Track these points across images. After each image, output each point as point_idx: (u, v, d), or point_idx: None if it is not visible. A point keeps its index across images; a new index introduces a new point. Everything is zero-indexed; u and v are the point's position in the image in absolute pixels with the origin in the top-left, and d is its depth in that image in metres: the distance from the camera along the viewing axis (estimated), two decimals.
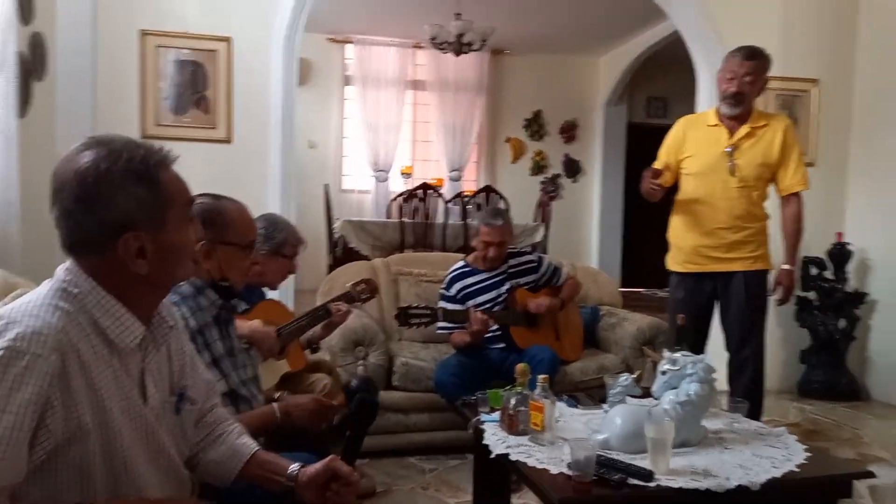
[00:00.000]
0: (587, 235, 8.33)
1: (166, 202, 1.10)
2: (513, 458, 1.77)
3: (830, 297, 4.20)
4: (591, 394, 2.36)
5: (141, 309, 1.13)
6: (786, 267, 2.92)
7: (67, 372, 1.00)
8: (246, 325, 1.98)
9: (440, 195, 5.61)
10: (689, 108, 4.54)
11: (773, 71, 2.93)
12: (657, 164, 2.97)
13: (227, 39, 3.80)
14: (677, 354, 1.96)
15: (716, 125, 2.89)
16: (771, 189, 2.96)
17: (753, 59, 2.79)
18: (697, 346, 2.71)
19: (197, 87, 3.83)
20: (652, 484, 1.59)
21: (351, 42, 7.56)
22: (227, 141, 3.84)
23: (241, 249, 1.69)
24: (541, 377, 1.95)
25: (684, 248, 2.97)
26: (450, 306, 3.06)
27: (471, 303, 3.07)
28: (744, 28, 4.14)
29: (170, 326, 1.21)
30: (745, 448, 1.85)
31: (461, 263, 3.21)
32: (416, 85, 7.90)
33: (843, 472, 1.88)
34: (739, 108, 2.82)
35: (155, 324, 1.17)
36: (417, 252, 5.23)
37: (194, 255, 1.20)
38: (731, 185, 2.84)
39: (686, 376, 1.91)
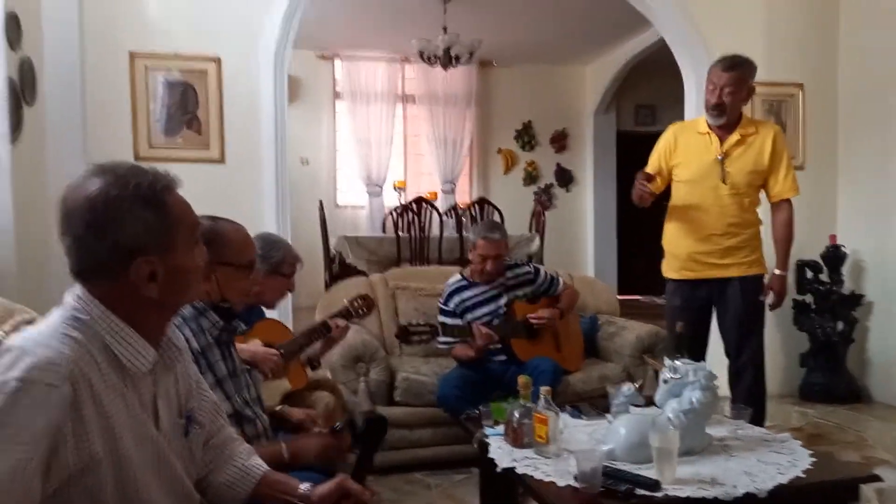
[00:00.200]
0: (582, 244, 8.34)
1: (174, 226, 1.11)
2: (519, 471, 1.76)
3: (827, 300, 4.22)
4: (594, 404, 2.35)
5: (151, 333, 1.13)
6: (778, 272, 2.94)
7: (79, 401, 1.00)
8: (247, 348, 1.97)
9: (434, 208, 5.62)
10: (678, 114, 4.57)
11: (759, 76, 2.95)
12: (648, 170, 2.99)
13: (216, 60, 3.80)
14: (678, 362, 1.96)
15: (706, 133, 2.90)
16: (762, 195, 2.98)
17: (734, 70, 2.78)
18: (696, 353, 2.70)
19: (188, 107, 3.82)
20: (659, 494, 1.59)
21: (339, 58, 7.59)
22: (221, 161, 3.83)
23: (240, 270, 1.68)
24: (543, 389, 1.95)
25: (679, 254, 2.98)
26: (449, 321, 3.05)
27: (469, 316, 3.06)
28: (729, 34, 4.18)
29: (178, 349, 1.22)
30: (750, 455, 1.85)
31: (458, 277, 3.21)
32: (406, 99, 7.93)
33: (849, 476, 1.88)
34: (723, 118, 2.84)
35: (164, 347, 1.17)
36: (414, 266, 5.23)
37: (202, 276, 1.20)
38: (722, 193, 2.86)
39: (688, 384, 1.91)
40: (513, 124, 8.17)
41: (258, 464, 1.33)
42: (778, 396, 4.16)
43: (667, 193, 3.02)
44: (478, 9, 6.04)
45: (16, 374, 0.97)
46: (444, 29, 5.95)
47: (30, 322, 2.01)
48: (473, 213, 6.14)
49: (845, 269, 4.27)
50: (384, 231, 6.60)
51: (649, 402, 2.08)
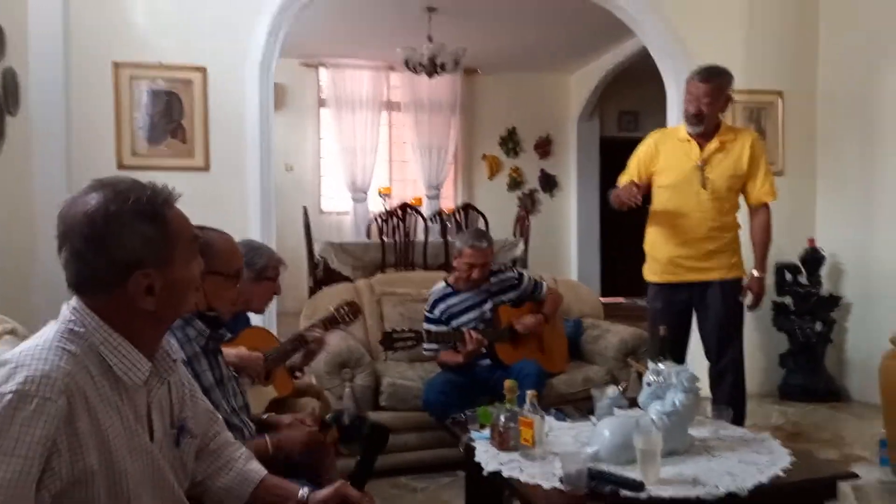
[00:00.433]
0: (566, 249, 8.40)
1: (173, 240, 1.12)
2: (505, 474, 1.79)
3: (806, 302, 4.29)
4: (579, 406, 2.38)
5: (146, 345, 1.14)
6: (756, 274, 2.99)
7: (74, 414, 1.01)
8: (232, 352, 1.98)
9: (419, 214, 5.64)
10: (660, 120, 4.64)
11: (739, 84, 3.01)
12: (626, 177, 3.04)
13: (201, 69, 3.81)
14: (661, 365, 2.00)
15: (687, 140, 2.96)
16: (741, 200, 3.04)
17: (711, 81, 2.84)
18: (677, 356, 2.75)
19: (172, 116, 3.82)
20: (643, 494, 1.62)
21: (324, 66, 7.60)
22: (205, 169, 3.83)
23: (227, 279, 1.70)
24: (529, 393, 1.98)
25: (661, 258, 3.03)
26: (434, 328, 3.08)
27: (454, 323, 3.09)
28: (709, 43, 4.26)
29: (173, 360, 1.22)
30: (731, 455, 1.89)
31: (442, 285, 3.22)
32: (391, 106, 7.95)
33: (827, 474, 1.93)
34: (701, 126, 2.90)
35: (158, 358, 1.18)
36: (399, 271, 5.25)
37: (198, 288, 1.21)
38: (703, 198, 2.92)
39: (671, 386, 1.95)
40: (497, 131, 8.22)
41: (256, 468, 1.34)
42: (758, 396, 4.22)
43: (647, 199, 3.07)
44: (462, 18, 6.08)
45: (12, 386, 0.98)
46: (430, 38, 5.98)
47: (11, 332, 2.00)
48: (458, 219, 6.17)
49: (824, 272, 4.35)
50: (369, 237, 6.62)
51: (633, 404, 2.11)
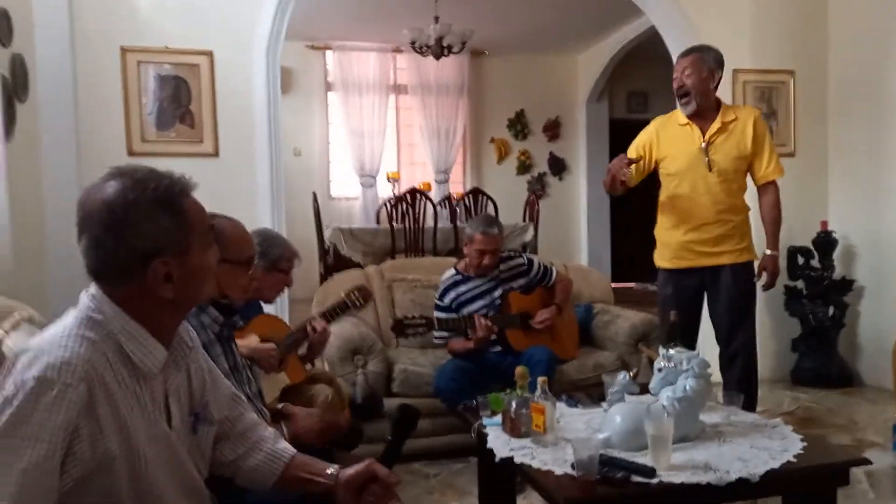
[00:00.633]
0: (576, 233, 8.37)
1: (191, 228, 1.13)
2: (517, 460, 1.79)
3: (818, 286, 4.26)
4: (590, 392, 2.39)
5: (163, 332, 1.16)
6: (769, 252, 2.98)
7: (94, 401, 1.03)
8: (245, 345, 1.99)
9: (428, 199, 5.63)
10: (669, 101, 4.53)
11: (750, 63, 2.97)
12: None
13: (208, 53, 3.79)
14: (672, 351, 2.00)
15: (686, 124, 2.93)
16: (749, 180, 3.01)
17: (689, 55, 2.90)
18: (688, 342, 2.74)
19: (180, 101, 3.81)
20: (654, 480, 1.62)
21: (330, 49, 7.56)
22: (214, 155, 3.83)
23: (239, 266, 1.70)
24: (540, 379, 1.98)
25: (671, 244, 3.01)
26: (444, 315, 3.08)
27: (465, 310, 3.09)
28: (719, 22, 4.20)
29: (189, 347, 1.24)
30: (742, 440, 1.88)
31: (452, 272, 3.22)
32: (399, 89, 7.91)
33: (839, 460, 1.91)
34: (693, 105, 2.87)
35: (175, 346, 1.20)
36: (409, 257, 5.25)
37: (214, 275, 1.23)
38: (710, 181, 2.89)
39: (682, 372, 1.94)
40: (505, 113, 8.16)
41: (286, 447, 1.36)
42: (770, 381, 4.21)
43: (640, 185, 3.03)
44: None
45: (34, 373, 1.00)
46: (436, 19, 5.93)
47: (29, 320, 2.02)
48: (467, 204, 6.16)
49: (836, 255, 4.32)
50: (378, 222, 6.61)
51: (644, 390, 2.11)
